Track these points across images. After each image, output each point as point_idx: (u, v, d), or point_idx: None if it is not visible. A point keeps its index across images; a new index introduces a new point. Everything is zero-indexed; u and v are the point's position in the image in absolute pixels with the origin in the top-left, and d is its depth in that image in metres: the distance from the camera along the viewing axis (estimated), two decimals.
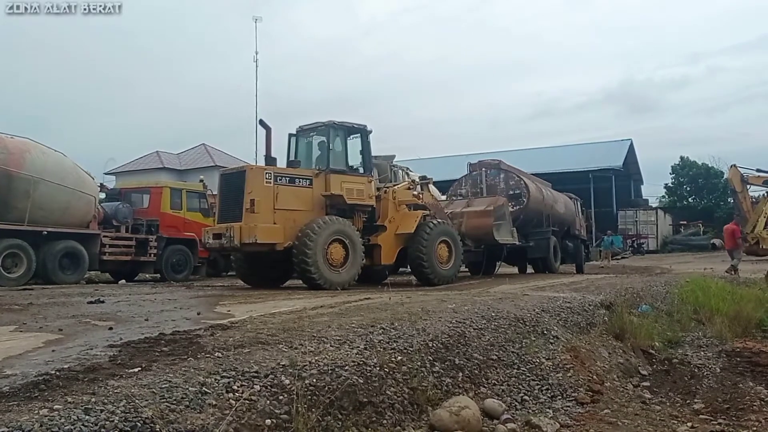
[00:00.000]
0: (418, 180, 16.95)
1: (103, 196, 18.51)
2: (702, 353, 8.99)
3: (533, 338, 7.18)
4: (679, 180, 53.05)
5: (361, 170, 13.91)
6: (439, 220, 15.11)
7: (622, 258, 35.43)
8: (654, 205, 50.73)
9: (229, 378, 4.18)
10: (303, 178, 12.99)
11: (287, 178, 12.73)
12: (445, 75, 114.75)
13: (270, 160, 12.97)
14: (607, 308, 9.61)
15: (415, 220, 14.25)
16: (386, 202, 14.30)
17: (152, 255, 17.50)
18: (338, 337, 5.59)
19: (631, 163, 48.10)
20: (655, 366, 8.23)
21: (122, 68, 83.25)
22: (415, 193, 15.59)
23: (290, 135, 14.11)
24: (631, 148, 47.15)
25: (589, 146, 48.02)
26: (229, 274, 21.58)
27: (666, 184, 54.77)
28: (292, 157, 13.81)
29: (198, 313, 7.62)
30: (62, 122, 76.41)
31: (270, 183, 12.38)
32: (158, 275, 18.08)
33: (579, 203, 24.48)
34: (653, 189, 68.40)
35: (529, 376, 6.39)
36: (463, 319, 7.00)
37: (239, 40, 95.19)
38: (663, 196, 56.14)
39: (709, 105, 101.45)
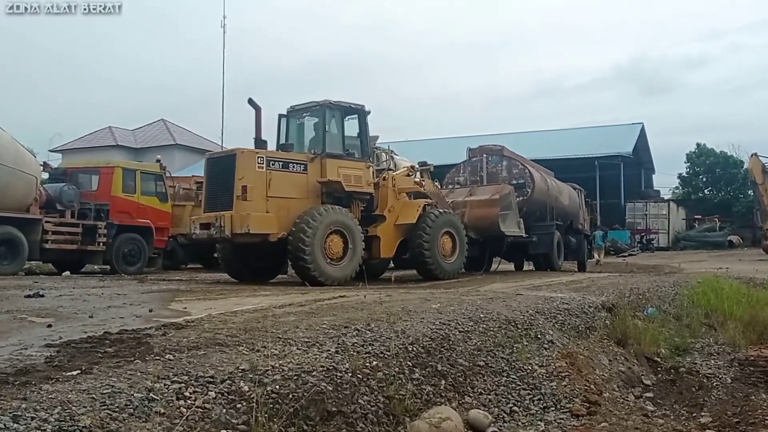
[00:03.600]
0: (418, 166, 17.06)
1: (46, 176, 18.32)
2: (712, 361, 9.13)
3: (525, 343, 7.24)
4: (695, 169, 53.55)
5: (359, 155, 14.12)
6: (442, 210, 15.39)
7: (629, 255, 35.76)
8: (666, 197, 51.16)
9: (180, 383, 4.18)
10: (297, 163, 13.16)
11: (280, 163, 12.89)
12: (435, 49, 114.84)
13: (260, 143, 13.11)
14: (609, 311, 9.73)
15: (417, 210, 14.54)
16: (385, 190, 14.54)
17: (101, 244, 17.33)
18: (306, 339, 5.61)
19: (642, 150, 48.45)
20: (659, 375, 8.35)
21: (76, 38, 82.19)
22: (417, 180, 15.84)
23: (280, 116, 14.27)
24: (643, 133, 47.49)
25: (595, 130, 48.31)
26: (188, 266, 21.53)
27: (680, 174, 55.34)
28: (282, 140, 13.98)
29: (150, 310, 7.60)
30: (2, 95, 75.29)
31: (262, 168, 12.52)
32: (108, 267, 17.94)
33: (583, 194, 24.77)
34: (665, 179, 69.02)
35: (519, 385, 6.45)
36: (448, 320, 7.06)
37: (207, 9, 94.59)
38: (676, 188, 56.74)
39: (729, 86, 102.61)
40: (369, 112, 14.20)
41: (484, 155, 20.18)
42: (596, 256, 29.24)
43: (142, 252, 18.21)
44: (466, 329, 6.94)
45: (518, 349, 7.03)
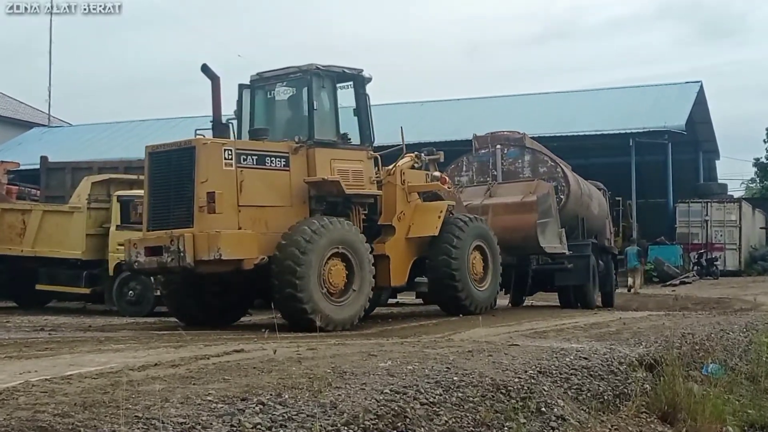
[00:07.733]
0: (425, 156, 17.31)
1: None
2: None
3: (523, 420, 7.32)
4: None
5: (357, 140, 14.77)
6: (470, 216, 16.11)
7: (681, 283, 36.42)
8: (736, 195, 52.03)
9: None
10: (276, 156, 13.63)
11: (254, 157, 13.35)
12: None
13: (221, 129, 13.62)
14: (649, 369, 9.92)
15: (438, 217, 15.18)
16: (392, 190, 15.21)
17: None
18: (181, 419, 5.58)
19: (700, 123, 49.22)
20: None
21: None
22: (436, 174, 16.59)
23: (241, 87, 14.88)
24: (701, 98, 48.15)
25: (630, 92, 48.89)
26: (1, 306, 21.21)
27: (756, 160, 56.72)
28: (247, 122, 14.58)
29: None
30: None
31: (231, 165, 12.97)
32: None
33: (608, 196, 25.53)
34: (736, 167, 70.61)
35: None
36: (404, 386, 7.09)
37: None
38: (751, 180, 58.12)
39: None
40: (370, 79, 14.85)
41: (498, 146, 20.89)
42: (630, 281, 29.79)
43: None
44: (431, 400, 6.97)
45: (512, 429, 7.10)
